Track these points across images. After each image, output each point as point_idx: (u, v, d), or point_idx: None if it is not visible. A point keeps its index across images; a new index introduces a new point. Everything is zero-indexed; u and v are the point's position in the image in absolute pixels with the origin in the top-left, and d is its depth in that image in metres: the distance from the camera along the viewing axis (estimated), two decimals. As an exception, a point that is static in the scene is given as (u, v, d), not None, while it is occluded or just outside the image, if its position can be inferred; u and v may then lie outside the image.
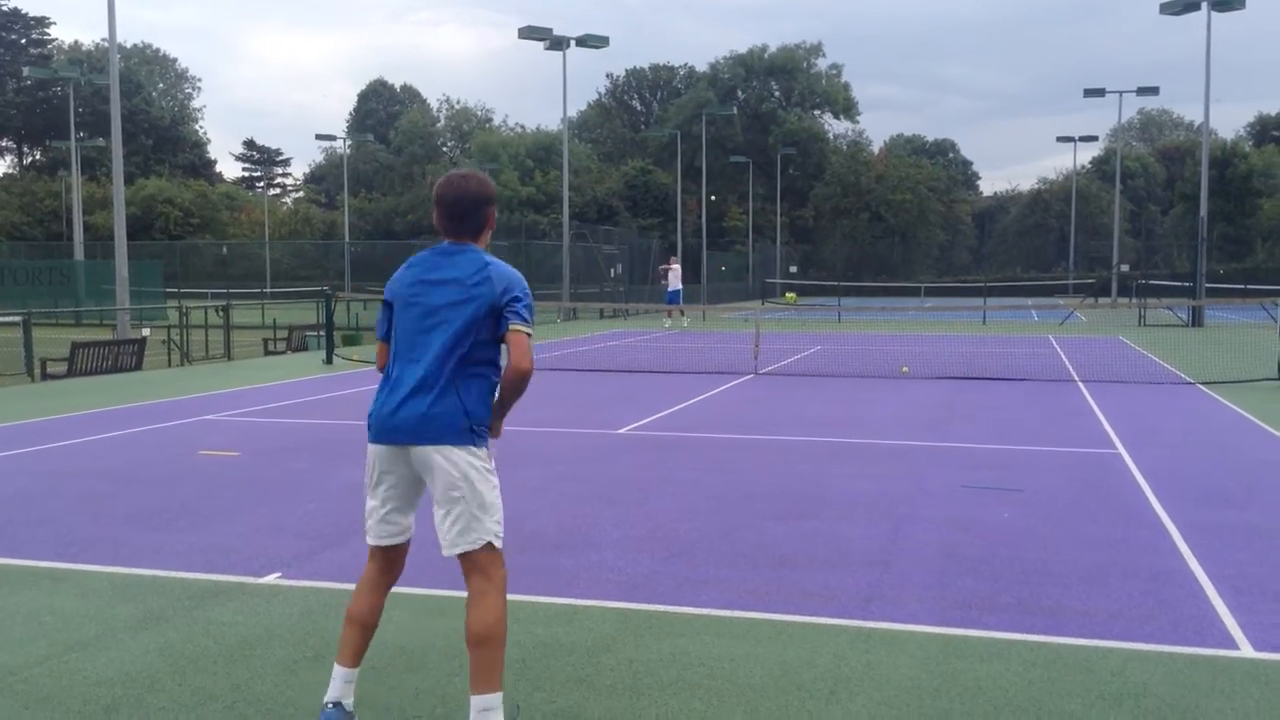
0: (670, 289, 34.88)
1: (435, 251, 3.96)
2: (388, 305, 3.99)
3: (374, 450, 3.88)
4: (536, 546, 6.63)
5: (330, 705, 3.86)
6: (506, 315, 3.81)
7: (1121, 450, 10.18)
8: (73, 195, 52.91)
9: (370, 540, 3.96)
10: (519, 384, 3.85)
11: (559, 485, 8.55)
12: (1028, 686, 4.44)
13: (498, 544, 3.85)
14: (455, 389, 3.79)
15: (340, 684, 3.89)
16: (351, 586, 5.77)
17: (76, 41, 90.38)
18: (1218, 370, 17.30)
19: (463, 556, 3.82)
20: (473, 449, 3.81)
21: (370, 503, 3.94)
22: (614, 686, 4.44)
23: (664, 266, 36.16)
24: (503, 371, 3.87)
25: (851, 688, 4.42)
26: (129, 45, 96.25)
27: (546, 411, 12.93)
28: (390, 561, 4.01)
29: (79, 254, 48.20)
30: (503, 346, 3.85)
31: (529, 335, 3.83)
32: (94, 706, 4.24)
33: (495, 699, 3.72)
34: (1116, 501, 7.97)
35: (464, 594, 5.64)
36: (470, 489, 3.78)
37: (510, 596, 5.60)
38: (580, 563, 6.27)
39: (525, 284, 3.92)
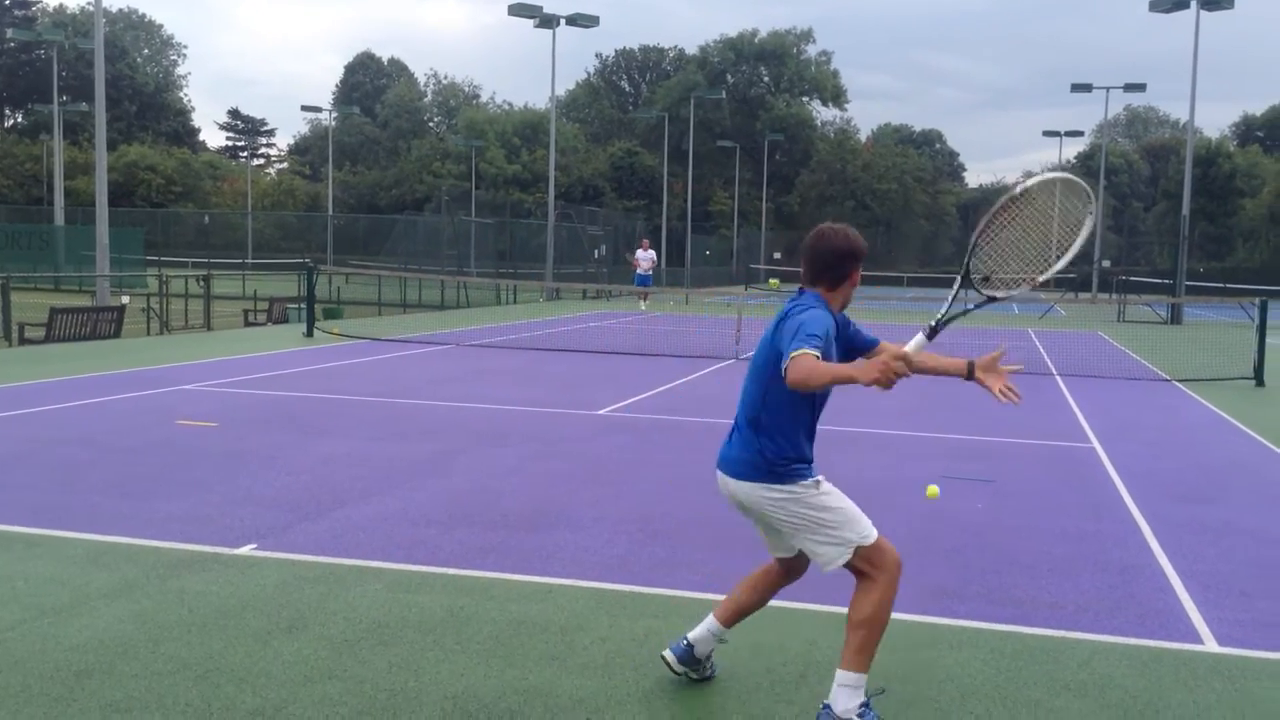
0: (640, 272, 34.60)
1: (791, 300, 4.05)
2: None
3: None
4: (513, 525, 6.65)
5: (684, 641, 4.29)
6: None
7: (1096, 445, 10.27)
8: (54, 159, 52.41)
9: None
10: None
11: (537, 465, 8.57)
12: (995, 675, 4.50)
13: (865, 543, 3.97)
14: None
15: (703, 629, 4.29)
16: (327, 559, 5.81)
17: (61, 4, 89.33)
18: (1194, 368, 17.44)
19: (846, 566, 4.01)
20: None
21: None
22: (587, 665, 4.48)
23: (640, 251, 35.60)
24: None
25: (821, 672, 4.46)
26: (114, 10, 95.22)
27: (526, 391, 12.95)
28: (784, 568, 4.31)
29: (59, 219, 47.77)
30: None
31: (794, 356, 3.66)
32: (66, 672, 4.25)
33: (859, 678, 3.87)
34: (1089, 495, 8.04)
35: (436, 570, 5.69)
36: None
37: (485, 573, 5.66)
38: (557, 542, 6.30)
39: (813, 324, 3.77)
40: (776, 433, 3.94)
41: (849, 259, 4.01)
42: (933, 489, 6.79)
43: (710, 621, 4.27)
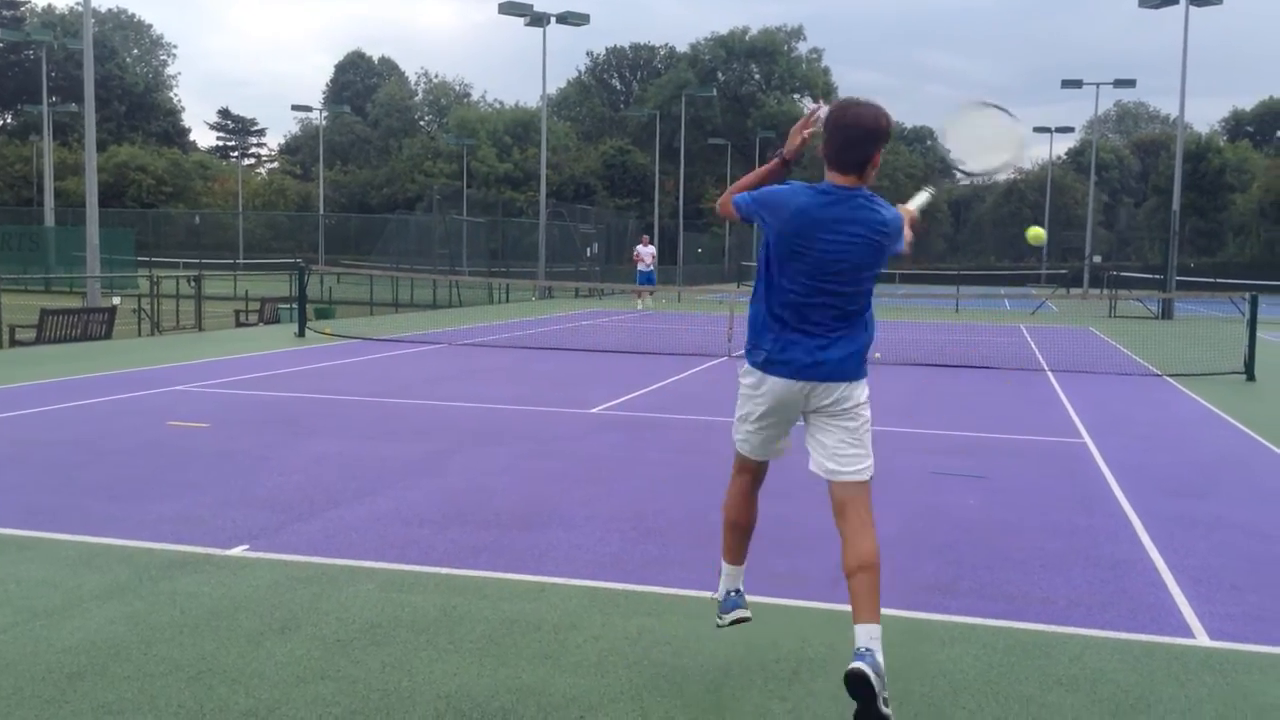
0: (643, 269, 34.73)
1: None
2: None
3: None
4: (506, 524, 6.65)
5: (735, 593, 4.37)
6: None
7: (1087, 440, 10.29)
8: (44, 160, 52.22)
9: (754, 455, 4.23)
10: None
11: (530, 463, 8.57)
12: (987, 670, 4.51)
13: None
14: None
15: (737, 577, 4.39)
16: (320, 560, 5.80)
17: (50, 4, 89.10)
18: (1185, 363, 17.49)
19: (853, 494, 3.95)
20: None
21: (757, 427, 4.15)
22: (580, 664, 4.48)
23: (640, 246, 35.73)
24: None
25: (814, 669, 4.47)
26: (103, 10, 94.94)
27: (519, 390, 12.95)
28: (763, 471, 4.35)
29: (49, 220, 47.55)
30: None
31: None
32: (58, 674, 4.24)
33: (878, 629, 3.77)
34: (1080, 490, 8.06)
35: (429, 569, 5.69)
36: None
37: (478, 573, 5.66)
38: (549, 541, 6.30)
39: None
40: (871, 323, 4.04)
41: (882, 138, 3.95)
42: (1036, 231, 6.05)
43: (731, 570, 4.38)
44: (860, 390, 3.99)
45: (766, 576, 5.70)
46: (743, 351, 4.15)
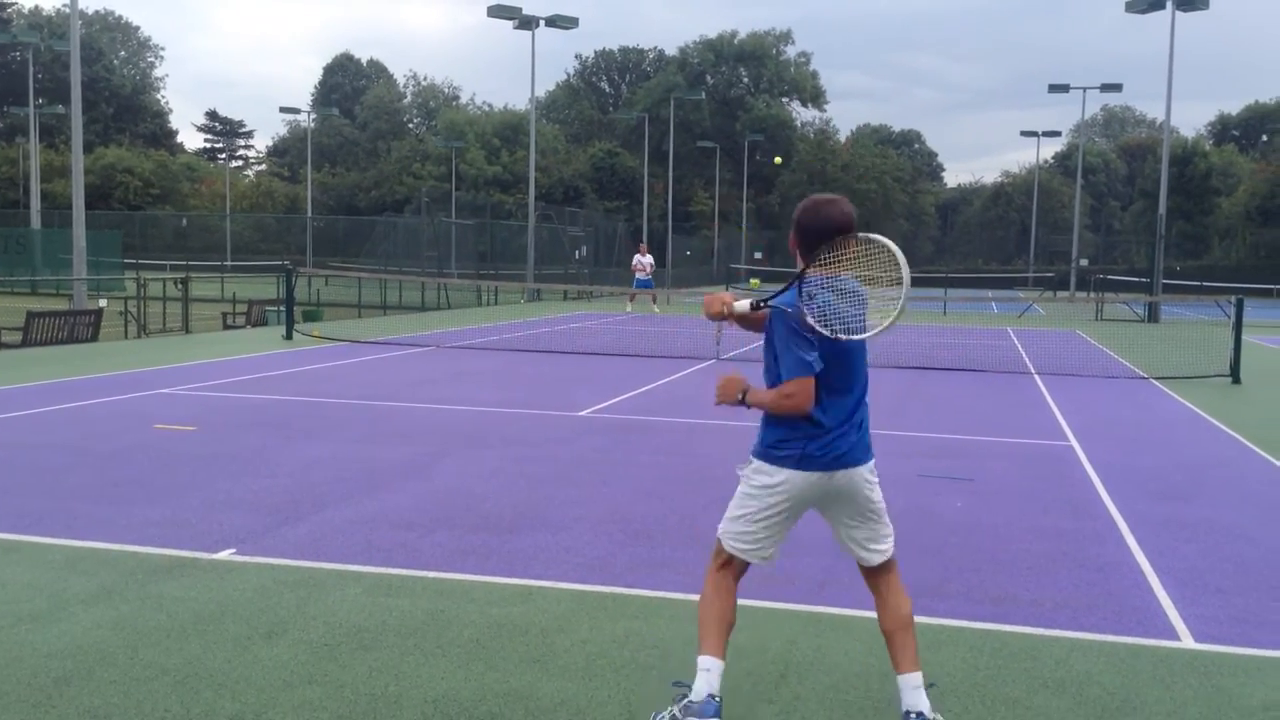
0: (642, 276, 34.69)
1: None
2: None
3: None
4: (494, 527, 6.65)
5: (715, 698, 3.81)
6: None
7: (1074, 443, 10.33)
8: (30, 162, 52.03)
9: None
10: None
11: (518, 466, 8.56)
12: (973, 673, 4.53)
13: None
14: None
15: (718, 675, 3.86)
16: (307, 563, 5.79)
17: (37, 6, 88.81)
18: (1171, 366, 17.56)
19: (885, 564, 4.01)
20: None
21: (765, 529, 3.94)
22: (568, 667, 4.48)
23: (638, 256, 35.57)
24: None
25: (801, 671, 4.48)
26: (90, 11, 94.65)
27: (507, 393, 12.94)
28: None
29: (36, 222, 47.40)
30: None
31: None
32: (44, 679, 4.23)
33: (921, 677, 3.88)
34: (1067, 493, 8.09)
35: (416, 573, 5.68)
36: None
37: (466, 576, 5.66)
38: (537, 543, 6.30)
39: None
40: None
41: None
42: None
43: (715, 665, 3.87)
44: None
45: (754, 579, 5.68)
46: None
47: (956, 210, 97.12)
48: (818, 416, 3.80)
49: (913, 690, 3.82)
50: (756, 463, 3.90)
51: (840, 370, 3.83)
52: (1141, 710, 4.21)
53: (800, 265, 3.88)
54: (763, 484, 3.86)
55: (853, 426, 3.87)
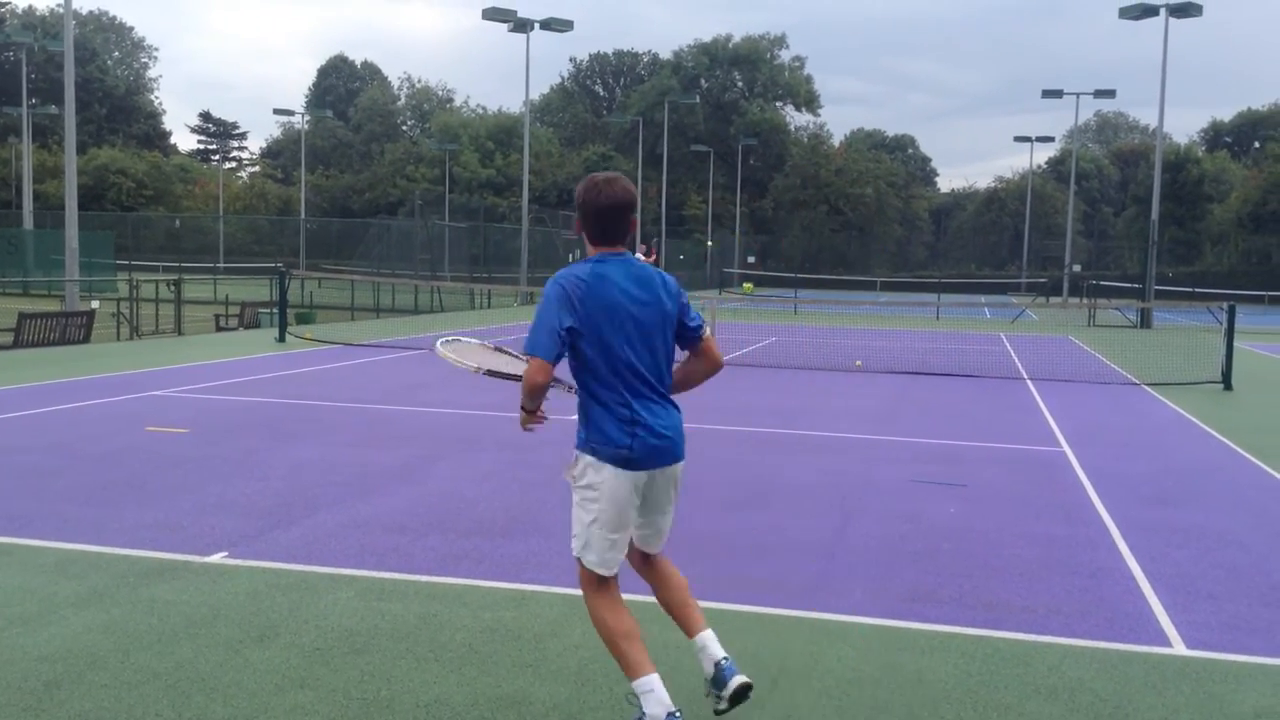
0: None
1: (622, 260, 3.99)
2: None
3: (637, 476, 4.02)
4: (486, 531, 6.64)
5: (677, 711, 3.69)
6: (688, 322, 4.23)
7: (1066, 448, 10.34)
8: (23, 163, 51.92)
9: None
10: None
11: (511, 471, 8.55)
12: (966, 679, 4.53)
13: None
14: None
15: (661, 690, 3.72)
16: (299, 567, 5.78)
17: (30, 6, 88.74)
18: (1163, 372, 17.60)
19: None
20: None
21: (618, 534, 3.96)
22: (560, 672, 4.47)
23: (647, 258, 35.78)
24: (701, 365, 4.42)
25: (794, 677, 4.48)
26: (84, 12, 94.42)
27: (499, 396, 12.92)
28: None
29: (28, 223, 47.33)
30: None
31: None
32: (35, 682, 4.21)
33: None
34: (1059, 499, 8.10)
35: (409, 577, 5.67)
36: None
37: (458, 580, 5.65)
38: (530, 548, 6.29)
39: None
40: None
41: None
42: None
43: (654, 680, 3.74)
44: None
45: (746, 584, 5.71)
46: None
47: (950, 215, 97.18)
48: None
49: (713, 643, 3.94)
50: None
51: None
52: (1134, 717, 4.21)
53: (589, 249, 4.01)
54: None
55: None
